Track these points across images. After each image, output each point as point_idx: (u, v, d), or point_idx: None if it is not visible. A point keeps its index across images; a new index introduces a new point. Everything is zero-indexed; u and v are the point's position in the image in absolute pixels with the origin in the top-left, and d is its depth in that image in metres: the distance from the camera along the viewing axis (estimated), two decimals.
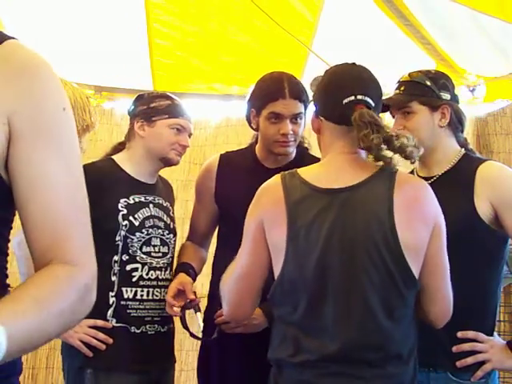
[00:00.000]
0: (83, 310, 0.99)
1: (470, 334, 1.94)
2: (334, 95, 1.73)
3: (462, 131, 2.13)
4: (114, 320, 2.21)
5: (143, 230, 2.27)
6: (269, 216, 1.71)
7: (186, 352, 4.02)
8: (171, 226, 2.37)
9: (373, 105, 1.71)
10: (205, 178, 2.40)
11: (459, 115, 2.10)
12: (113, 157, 2.38)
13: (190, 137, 2.40)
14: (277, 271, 1.70)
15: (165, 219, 2.34)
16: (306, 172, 1.73)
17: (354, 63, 1.79)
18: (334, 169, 1.72)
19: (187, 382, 4.02)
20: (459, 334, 1.93)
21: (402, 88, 2.09)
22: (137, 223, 2.26)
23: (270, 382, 1.75)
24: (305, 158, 2.31)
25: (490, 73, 3.58)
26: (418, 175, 2.13)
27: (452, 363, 1.92)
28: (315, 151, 2.47)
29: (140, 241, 2.25)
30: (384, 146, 1.65)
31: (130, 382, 2.22)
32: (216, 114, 4.28)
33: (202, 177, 2.43)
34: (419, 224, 1.66)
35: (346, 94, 1.70)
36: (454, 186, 2.00)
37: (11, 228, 1.05)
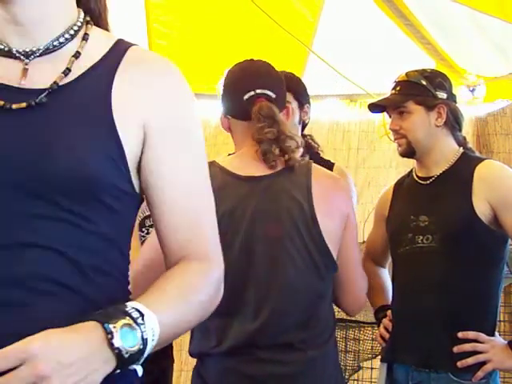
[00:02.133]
0: (216, 302, 1.04)
1: (471, 334, 1.94)
2: (235, 93, 1.76)
3: (460, 130, 2.13)
4: None
5: (143, 229, 2.26)
6: None
7: (186, 352, 4.00)
8: None
9: (273, 96, 1.73)
10: None
11: (456, 114, 2.09)
12: None
13: None
14: None
15: None
16: (224, 161, 1.76)
17: (252, 59, 1.83)
18: (250, 159, 1.73)
19: (187, 382, 4.01)
20: (460, 335, 1.93)
21: (398, 88, 2.09)
22: (136, 222, 2.25)
23: (194, 377, 1.76)
24: (313, 161, 2.31)
25: (490, 73, 3.58)
26: (417, 175, 2.13)
27: (453, 363, 1.92)
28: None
29: (140, 239, 2.24)
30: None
31: None
32: (216, 113, 4.28)
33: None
34: (335, 213, 1.70)
35: (245, 89, 1.72)
36: (453, 186, 2.00)
37: (131, 235, 1.08)
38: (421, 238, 2.00)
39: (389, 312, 2.14)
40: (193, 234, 1.02)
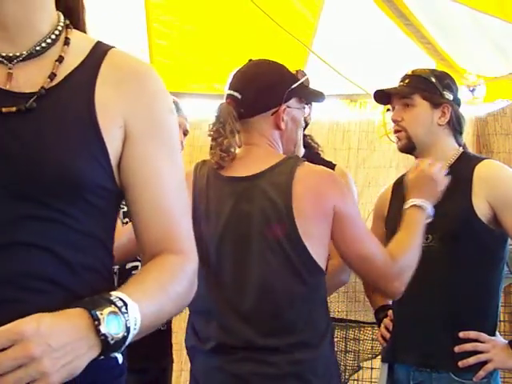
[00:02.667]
0: (192, 295, 1.08)
1: (472, 334, 1.94)
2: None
3: (461, 133, 2.13)
4: None
5: None
6: None
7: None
8: None
9: (239, 97, 1.77)
10: None
11: (459, 117, 2.10)
12: None
13: (185, 134, 2.40)
14: None
15: None
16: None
17: (250, 59, 1.87)
18: (238, 158, 1.77)
19: (187, 382, 4.00)
20: (461, 335, 1.93)
21: (407, 81, 2.09)
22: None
23: (190, 378, 1.80)
24: (314, 161, 2.31)
25: (490, 73, 3.59)
26: None
27: (454, 363, 1.92)
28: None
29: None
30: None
31: (129, 380, 2.21)
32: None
33: None
34: (319, 215, 1.67)
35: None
36: (452, 185, 2.00)
37: (114, 231, 1.12)
38: None
39: (389, 312, 2.14)
40: (169, 231, 1.06)
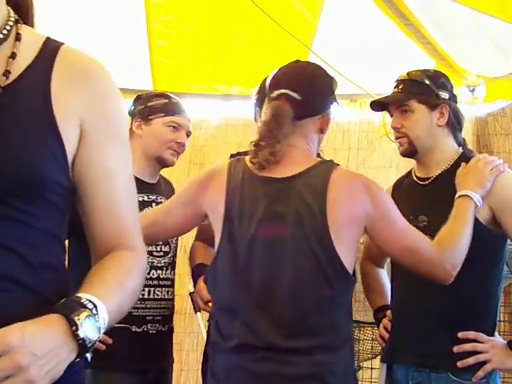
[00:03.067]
0: (141, 290, 1.12)
1: (471, 334, 1.94)
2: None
3: (461, 130, 2.13)
4: None
5: None
6: (211, 201, 1.78)
7: (186, 352, 4.02)
8: None
9: (297, 98, 1.76)
10: None
11: (457, 115, 2.09)
12: None
13: (188, 135, 2.40)
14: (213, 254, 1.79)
15: None
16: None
17: (297, 60, 1.89)
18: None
19: (187, 382, 4.02)
20: (460, 335, 1.93)
21: (401, 86, 2.09)
22: None
23: (208, 375, 1.77)
24: None
25: (490, 73, 3.58)
26: (416, 176, 2.13)
27: (453, 363, 1.92)
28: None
29: None
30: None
31: (129, 381, 2.21)
32: (216, 113, 4.28)
33: None
34: (350, 221, 1.69)
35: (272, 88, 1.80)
36: (452, 187, 2.00)
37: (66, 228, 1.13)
38: None
39: (388, 312, 2.14)
40: (121, 228, 1.08)
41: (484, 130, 3.98)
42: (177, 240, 2.39)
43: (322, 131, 1.83)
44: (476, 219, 1.93)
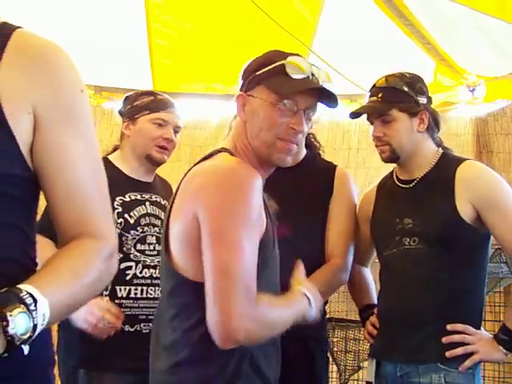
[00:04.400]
0: (108, 278, 1.07)
1: (459, 326, 2.00)
2: None
3: (438, 131, 2.14)
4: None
5: (138, 228, 2.25)
6: None
7: None
8: None
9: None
10: None
11: (435, 117, 2.12)
12: (108, 156, 2.37)
13: (176, 131, 2.35)
14: None
15: (162, 217, 2.32)
16: None
17: None
18: None
19: None
20: (449, 327, 1.98)
21: (380, 95, 2.09)
22: (132, 221, 2.25)
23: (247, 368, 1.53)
24: (316, 159, 2.31)
25: (490, 73, 3.58)
26: (399, 178, 2.15)
27: (441, 354, 1.97)
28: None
29: (134, 238, 2.24)
30: None
31: (123, 381, 2.20)
32: (216, 113, 4.28)
33: None
34: (181, 215, 1.50)
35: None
36: (435, 188, 2.04)
37: (36, 217, 1.10)
38: (408, 240, 2.04)
39: (375, 310, 2.19)
40: (83, 214, 1.04)
41: (484, 130, 3.98)
42: None
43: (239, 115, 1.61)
44: (461, 219, 1.97)
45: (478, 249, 2.05)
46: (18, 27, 1.05)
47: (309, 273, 2.21)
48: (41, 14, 3.52)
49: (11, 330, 0.84)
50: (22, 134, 0.99)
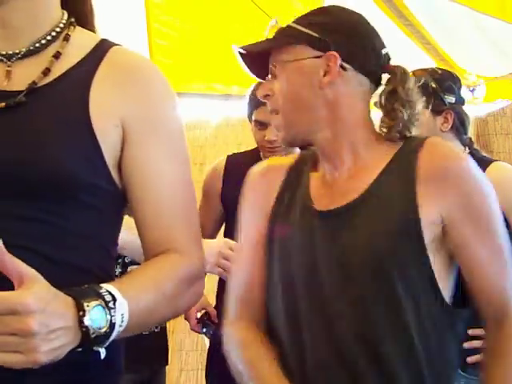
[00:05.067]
0: (190, 298, 1.04)
1: (479, 331, 1.96)
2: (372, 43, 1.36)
3: (466, 133, 2.11)
4: None
5: None
6: None
7: (186, 352, 4.01)
8: None
9: None
10: (212, 178, 2.41)
11: (462, 118, 2.07)
12: None
13: None
14: None
15: None
16: None
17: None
18: None
19: (187, 381, 4.01)
20: (470, 332, 1.94)
21: None
22: None
23: None
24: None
25: (490, 73, 3.58)
26: None
27: (462, 360, 1.93)
28: None
29: None
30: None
31: (123, 380, 2.20)
32: (216, 113, 4.28)
33: (209, 176, 2.44)
34: None
35: (382, 44, 1.38)
36: None
37: (118, 234, 1.10)
38: None
39: None
40: (169, 232, 1.03)
41: (484, 130, 3.98)
42: None
43: None
44: None
45: None
46: (117, 44, 1.08)
47: None
48: None
49: (87, 321, 0.84)
50: (109, 147, 1.00)
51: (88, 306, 0.84)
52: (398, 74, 1.30)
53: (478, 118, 3.97)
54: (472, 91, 3.63)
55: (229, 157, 2.41)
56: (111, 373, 1.05)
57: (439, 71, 2.10)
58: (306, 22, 1.37)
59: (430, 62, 3.57)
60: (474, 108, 3.86)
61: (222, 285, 2.29)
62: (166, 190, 1.03)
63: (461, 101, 2.10)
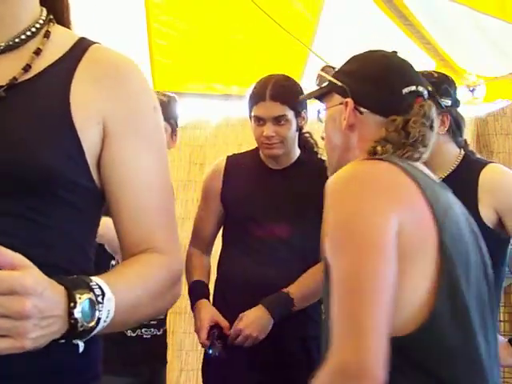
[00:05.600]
0: (171, 299, 1.04)
1: None
2: (393, 85, 1.42)
3: (461, 135, 2.12)
4: None
5: None
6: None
7: (186, 352, 4.01)
8: None
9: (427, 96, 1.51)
10: (211, 179, 2.40)
11: (458, 121, 2.09)
12: None
13: (174, 133, 2.33)
14: None
15: None
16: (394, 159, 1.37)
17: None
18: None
19: (187, 382, 4.01)
20: None
21: None
22: None
23: None
24: (311, 159, 2.31)
25: (490, 73, 3.58)
26: None
27: None
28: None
29: None
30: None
31: (121, 383, 2.19)
32: (216, 113, 4.28)
33: (209, 177, 2.43)
34: None
35: (406, 83, 1.43)
36: (457, 191, 2.00)
37: (96, 232, 1.09)
38: None
39: None
40: (152, 230, 1.02)
41: (484, 130, 3.98)
42: None
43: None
44: (484, 225, 1.94)
45: (497, 253, 2.00)
46: (96, 42, 1.08)
47: None
48: None
49: (77, 314, 0.82)
50: (90, 145, 0.99)
51: (80, 298, 0.83)
52: (416, 108, 1.41)
53: (478, 118, 3.97)
54: (472, 91, 3.63)
55: (229, 157, 2.41)
56: (86, 378, 1.02)
57: (435, 74, 2.11)
58: (338, 71, 1.48)
59: (430, 62, 3.57)
60: (474, 108, 3.86)
61: (219, 285, 2.29)
62: (145, 189, 1.03)
63: (456, 103, 2.11)
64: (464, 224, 1.32)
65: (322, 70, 1.52)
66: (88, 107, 0.99)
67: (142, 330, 2.22)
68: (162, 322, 2.31)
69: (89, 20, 3.64)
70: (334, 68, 1.51)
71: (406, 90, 1.41)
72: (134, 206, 1.02)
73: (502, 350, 1.94)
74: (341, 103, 1.41)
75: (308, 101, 2.23)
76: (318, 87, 1.53)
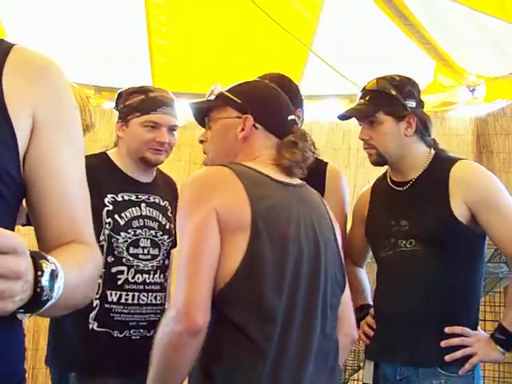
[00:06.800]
0: (95, 289, 1.09)
1: (457, 329, 2.00)
2: (281, 112, 1.73)
3: (429, 135, 2.14)
4: (96, 324, 2.13)
5: (129, 231, 2.16)
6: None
7: None
8: (166, 227, 2.26)
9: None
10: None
11: (424, 121, 2.11)
12: (107, 151, 2.30)
13: (173, 129, 2.26)
14: None
15: (160, 219, 2.25)
16: (247, 165, 1.66)
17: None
18: (268, 168, 1.68)
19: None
20: (447, 330, 1.98)
21: (368, 97, 2.12)
22: (122, 222, 2.16)
23: None
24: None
25: (490, 73, 3.58)
26: (392, 180, 2.16)
27: (440, 358, 1.96)
28: None
29: (126, 241, 2.15)
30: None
31: None
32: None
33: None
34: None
35: (289, 113, 1.75)
36: (430, 189, 2.04)
37: (15, 224, 1.09)
38: (404, 242, 2.04)
39: (371, 310, 2.19)
40: (77, 222, 1.07)
41: (484, 130, 3.98)
42: (170, 242, 2.27)
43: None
44: (457, 220, 1.97)
45: (474, 249, 2.05)
46: (15, 44, 1.10)
47: None
48: (41, 14, 3.52)
49: (44, 282, 0.82)
50: (22, 135, 1.02)
51: (46, 267, 0.83)
52: (299, 133, 1.71)
53: (478, 118, 3.97)
54: (472, 91, 3.63)
55: None
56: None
57: (397, 78, 2.12)
58: (234, 90, 1.73)
59: (430, 62, 3.57)
60: (474, 108, 3.86)
61: None
62: (69, 182, 1.07)
63: (421, 104, 2.14)
64: (303, 223, 1.61)
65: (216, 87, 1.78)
66: (20, 99, 1.03)
67: (131, 331, 2.14)
68: (152, 323, 2.25)
69: (89, 20, 3.65)
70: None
71: (290, 117, 1.73)
72: (60, 199, 1.05)
73: (485, 345, 1.96)
74: (238, 117, 1.68)
75: (304, 101, 2.30)
76: (210, 98, 1.77)
